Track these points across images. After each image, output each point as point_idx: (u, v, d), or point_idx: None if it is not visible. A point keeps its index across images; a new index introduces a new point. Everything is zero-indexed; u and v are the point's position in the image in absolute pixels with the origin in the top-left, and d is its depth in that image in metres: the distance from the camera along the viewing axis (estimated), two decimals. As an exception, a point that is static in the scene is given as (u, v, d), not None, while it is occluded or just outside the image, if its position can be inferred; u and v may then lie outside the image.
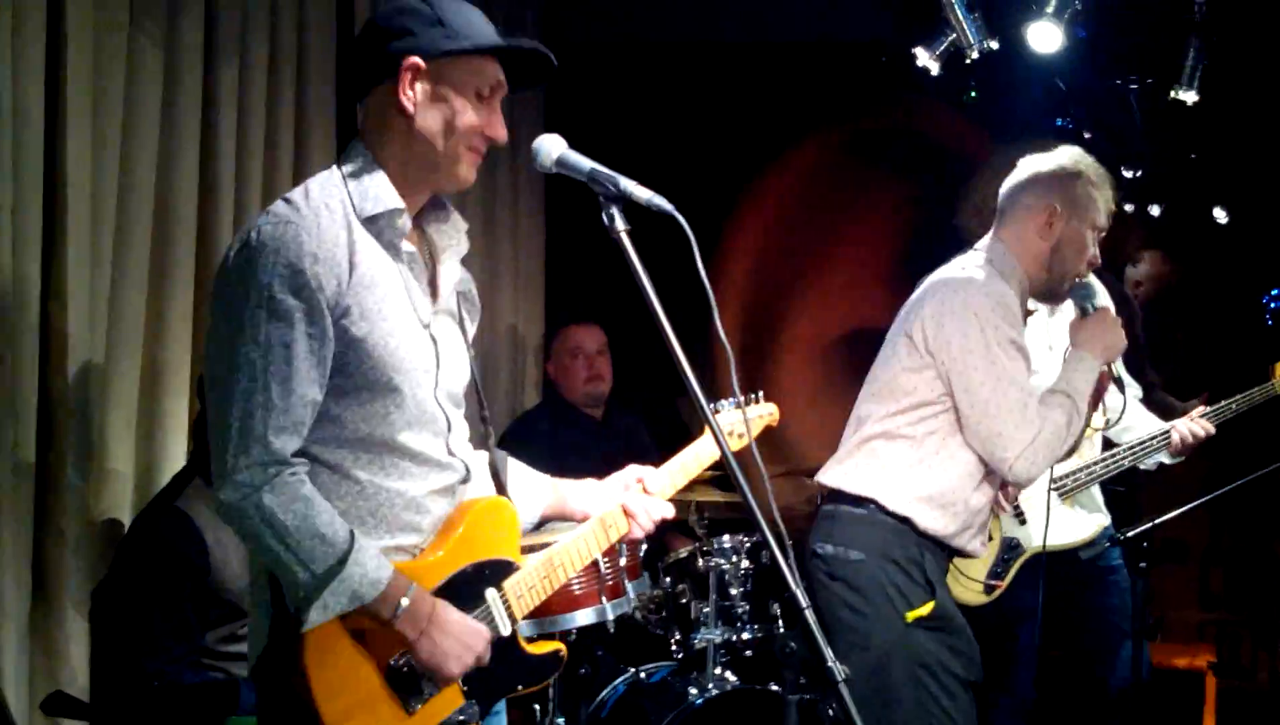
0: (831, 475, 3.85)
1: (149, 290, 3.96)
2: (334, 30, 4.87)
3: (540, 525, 3.08)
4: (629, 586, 4.08)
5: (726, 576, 4.48)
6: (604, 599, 3.87)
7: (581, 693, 4.42)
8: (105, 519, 3.82)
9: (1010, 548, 4.37)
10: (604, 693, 4.52)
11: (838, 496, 3.80)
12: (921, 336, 3.71)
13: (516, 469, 3.01)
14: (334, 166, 2.64)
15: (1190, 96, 5.52)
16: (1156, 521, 4.13)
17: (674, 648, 4.57)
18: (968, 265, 3.83)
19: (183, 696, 3.57)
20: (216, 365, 2.50)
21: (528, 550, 2.88)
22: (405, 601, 2.53)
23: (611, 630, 3.93)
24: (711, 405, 3.26)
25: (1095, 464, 4.46)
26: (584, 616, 3.88)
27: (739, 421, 3.32)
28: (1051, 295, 3.91)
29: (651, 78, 6.55)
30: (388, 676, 2.57)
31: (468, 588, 2.68)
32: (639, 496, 3.01)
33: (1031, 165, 3.90)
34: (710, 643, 4.42)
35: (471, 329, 2.87)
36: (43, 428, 3.56)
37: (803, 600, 2.37)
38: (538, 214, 6.57)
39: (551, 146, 2.58)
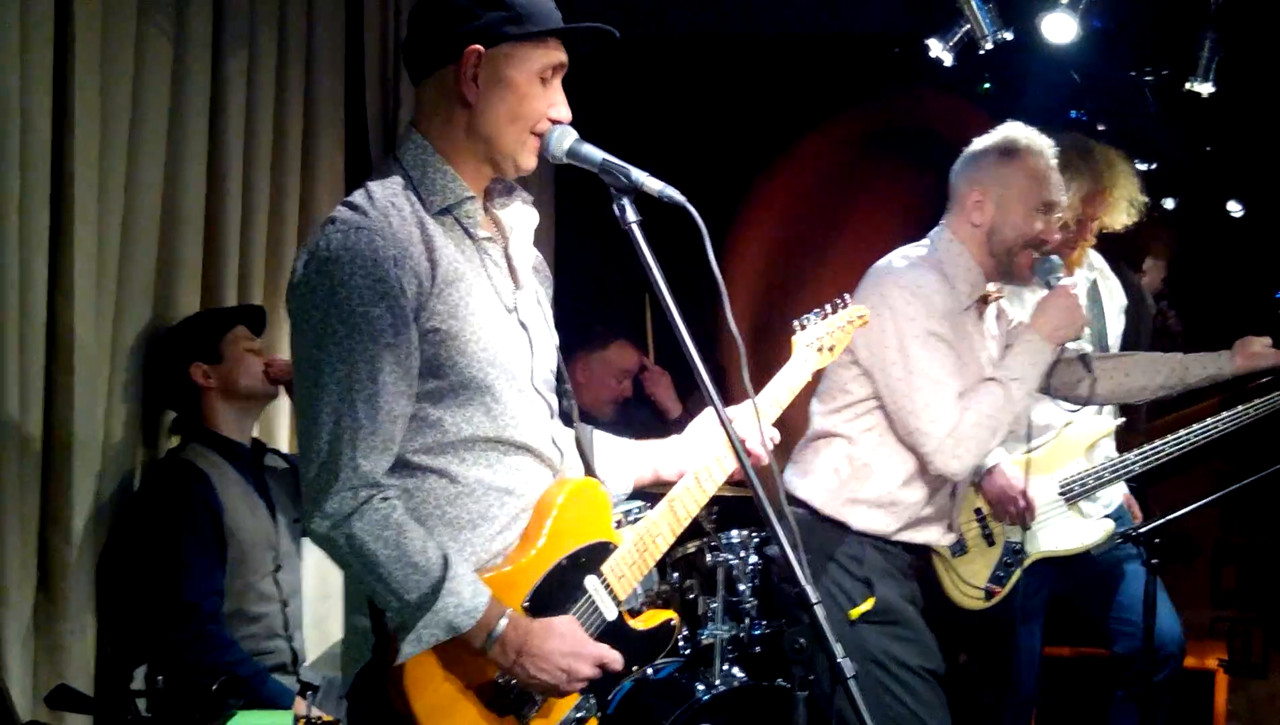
0: (786, 473, 3.85)
1: (155, 286, 3.94)
2: (343, 21, 4.85)
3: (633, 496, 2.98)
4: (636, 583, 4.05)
5: (734, 572, 4.46)
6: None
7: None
8: (110, 514, 3.80)
9: (1012, 553, 4.32)
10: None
11: (789, 497, 3.78)
12: None
13: (605, 441, 2.93)
14: (390, 161, 2.57)
15: (1206, 89, 5.48)
16: (1167, 518, 4.09)
17: (681, 643, 4.55)
18: (908, 253, 3.82)
19: (192, 687, 3.58)
20: (302, 383, 2.43)
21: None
22: (497, 630, 2.44)
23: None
24: (798, 321, 3.18)
25: (1103, 469, 4.38)
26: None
27: (828, 334, 3.21)
28: (1007, 275, 3.84)
29: (663, 70, 6.52)
30: (497, 691, 2.50)
31: (566, 581, 2.61)
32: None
33: (968, 148, 3.90)
34: (718, 638, 4.40)
35: (548, 302, 2.79)
36: (48, 423, 3.55)
37: (812, 595, 2.36)
38: (546, 204, 6.55)
39: (562, 137, 2.55)
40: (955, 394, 3.62)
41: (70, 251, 3.56)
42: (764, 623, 4.49)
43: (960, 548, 4.30)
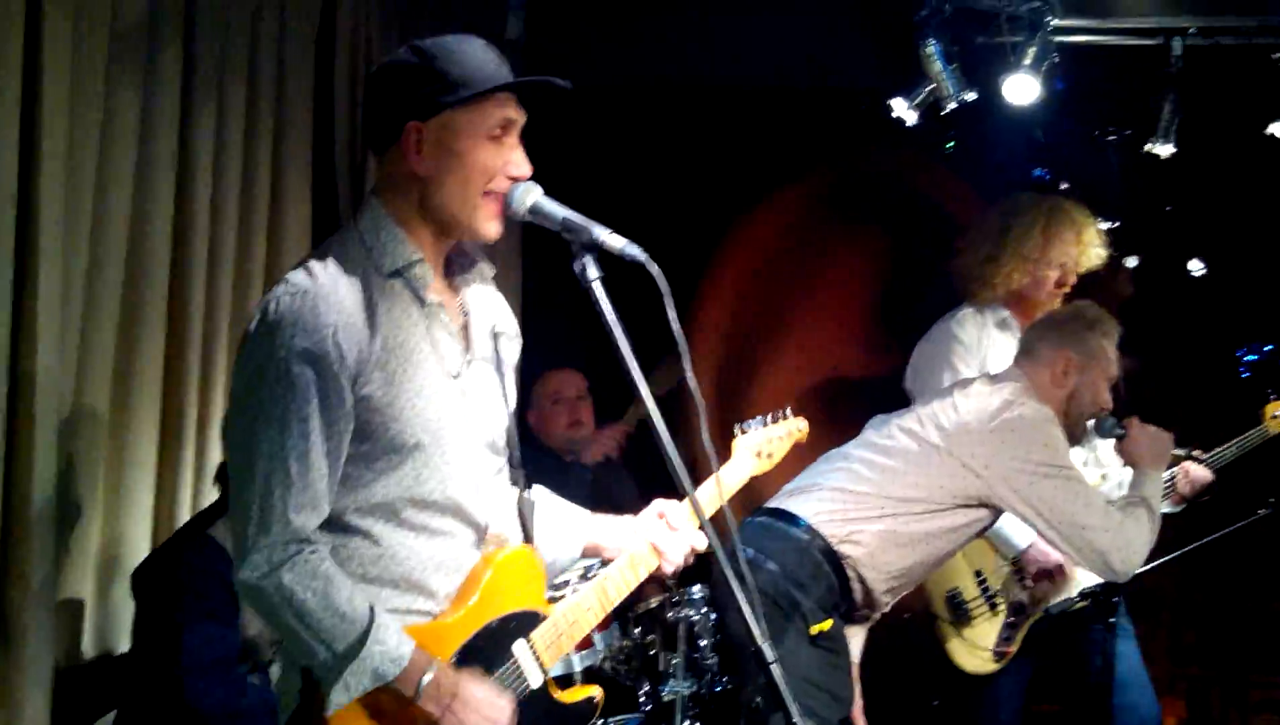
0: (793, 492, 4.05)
1: (119, 333, 3.93)
2: (312, 74, 4.87)
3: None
4: (597, 638, 4.06)
5: (696, 628, 4.44)
6: (571, 651, 3.83)
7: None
8: (70, 563, 3.78)
9: (1018, 611, 4.35)
10: (572, 743, 4.46)
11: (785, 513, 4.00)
12: None
13: (551, 507, 2.95)
14: (350, 225, 2.61)
15: (1166, 150, 5.55)
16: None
17: (643, 699, 4.52)
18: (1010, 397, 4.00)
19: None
20: (236, 441, 2.49)
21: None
22: (427, 678, 2.46)
23: (579, 682, 3.90)
24: (740, 425, 3.26)
25: None
26: (552, 668, 3.84)
27: (767, 441, 3.32)
28: (1073, 439, 4.04)
29: (628, 121, 6.55)
30: None
31: (494, 643, 2.63)
32: (666, 532, 2.95)
33: (1050, 313, 4.21)
34: (679, 694, 4.37)
35: (511, 366, 2.81)
36: (8, 474, 3.51)
37: (769, 654, 2.36)
38: (514, 259, 6.55)
39: (525, 195, 2.56)
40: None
41: (34, 301, 3.54)
42: (725, 679, 4.47)
43: (964, 613, 4.32)
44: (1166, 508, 4.53)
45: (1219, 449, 4.55)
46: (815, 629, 3.71)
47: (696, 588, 4.49)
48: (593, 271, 2.45)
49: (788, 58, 6.28)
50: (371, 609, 2.44)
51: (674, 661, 4.43)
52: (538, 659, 2.69)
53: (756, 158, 6.53)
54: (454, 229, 2.60)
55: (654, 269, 2.40)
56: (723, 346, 6.29)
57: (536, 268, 6.59)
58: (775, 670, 2.36)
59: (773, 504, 3.96)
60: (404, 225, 2.57)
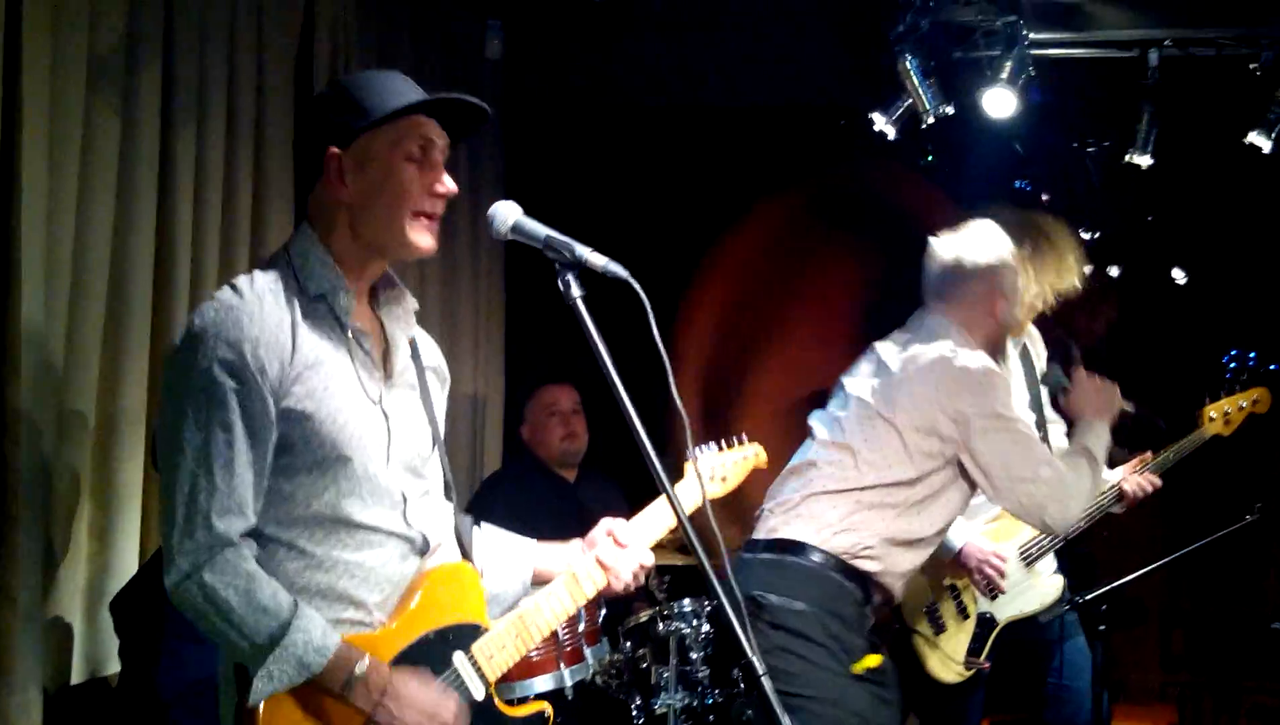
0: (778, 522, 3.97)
1: (102, 355, 3.93)
2: (292, 93, 4.87)
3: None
4: (588, 652, 4.06)
5: (687, 641, 4.45)
6: (562, 665, 3.85)
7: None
8: (58, 584, 3.77)
9: (984, 623, 4.39)
10: (564, 760, 4.47)
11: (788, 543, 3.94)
12: None
13: (494, 536, 2.97)
14: (283, 249, 2.66)
15: (1145, 160, 5.59)
16: (1113, 584, 4.14)
17: (635, 713, 4.53)
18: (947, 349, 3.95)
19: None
20: (163, 448, 2.54)
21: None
22: (358, 670, 2.49)
23: (570, 697, 3.90)
24: (694, 449, 3.27)
25: None
26: (542, 683, 3.86)
27: (720, 465, 3.36)
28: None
29: (612, 141, 6.58)
30: None
31: (431, 654, 2.64)
32: (612, 549, 2.97)
33: (965, 251, 4.02)
34: (671, 708, 4.39)
35: (439, 400, 2.85)
36: (-5, 493, 3.52)
37: (759, 667, 2.36)
38: (498, 279, 6.57)
39: (507, 214, 2.57)
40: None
41: (17, 322, 3.55)
42: (717, 691, 4.48)
43: (940, 626, 4.35)
44: (1117, 509, 4.61)
45: (1159, 457, 4.57)
46: (862, 666, 3.69)
47: (687, 601, 4.51)
48: (575, 289, 2.47)
49: (765, 76, 6.32)
50: (296, 603, 2.47)
51: (665, 675, 4.44)
52: (479, 671, 2.70)
53: (735, 175, 6.56)
54: (386, 251, 2.65)
55: (636, 286, 2.41)
56: (706, 362, 6.30)
57: (521, 287, 6.62)
58: (765, 684, 2.36)
59: (763, 537, 3.92)
60: (332, 252, 2.62)
